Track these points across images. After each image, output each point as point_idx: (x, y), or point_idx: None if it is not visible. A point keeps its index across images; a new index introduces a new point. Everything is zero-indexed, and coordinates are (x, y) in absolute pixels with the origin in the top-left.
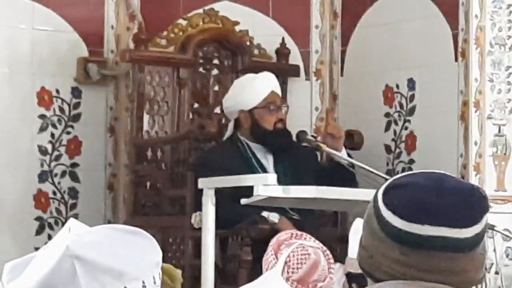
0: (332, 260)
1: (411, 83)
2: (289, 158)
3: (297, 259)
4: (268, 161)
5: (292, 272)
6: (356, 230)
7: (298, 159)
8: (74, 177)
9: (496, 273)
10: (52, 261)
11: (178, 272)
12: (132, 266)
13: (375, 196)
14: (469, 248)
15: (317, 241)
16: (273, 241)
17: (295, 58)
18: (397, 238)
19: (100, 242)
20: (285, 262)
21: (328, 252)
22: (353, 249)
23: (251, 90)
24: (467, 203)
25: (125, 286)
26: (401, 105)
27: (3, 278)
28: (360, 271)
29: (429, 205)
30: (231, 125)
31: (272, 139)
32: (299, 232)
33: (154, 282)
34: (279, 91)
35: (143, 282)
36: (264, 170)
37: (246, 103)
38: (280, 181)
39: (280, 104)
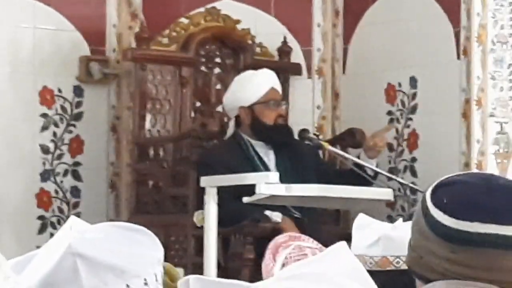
0: None
1: (413, 81)
2: (291, 155)
3: (295, 260)
4: (270, 158)
5: None
6: (359, 226)
7: (300, 156)
8: (76, 176)
9: None
10: (53, 259)
11: (179, 271)
12: (134, 264)
13: (423, 196)
14: None
15: (315, 242)
16: (271, 244)
17: (297, 56)
18: (447, 236)
19: (102, 240)
20: (283, 264)
21: None
22: (356, 245)
23: (251, 86)
24: None
25: (127, 284)
26: (403, 103)
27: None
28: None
29: (478, 202)
30: (232, 123)
31: (272, 134)
32: (297, 234)
33: (156, 280)
34: (279, 88)
35: (145, 280)
36: (266, 168)
37: (246, 99)
38: (282, 179)
39: (280, 101)
